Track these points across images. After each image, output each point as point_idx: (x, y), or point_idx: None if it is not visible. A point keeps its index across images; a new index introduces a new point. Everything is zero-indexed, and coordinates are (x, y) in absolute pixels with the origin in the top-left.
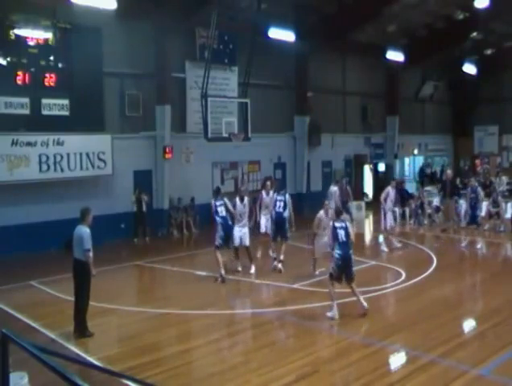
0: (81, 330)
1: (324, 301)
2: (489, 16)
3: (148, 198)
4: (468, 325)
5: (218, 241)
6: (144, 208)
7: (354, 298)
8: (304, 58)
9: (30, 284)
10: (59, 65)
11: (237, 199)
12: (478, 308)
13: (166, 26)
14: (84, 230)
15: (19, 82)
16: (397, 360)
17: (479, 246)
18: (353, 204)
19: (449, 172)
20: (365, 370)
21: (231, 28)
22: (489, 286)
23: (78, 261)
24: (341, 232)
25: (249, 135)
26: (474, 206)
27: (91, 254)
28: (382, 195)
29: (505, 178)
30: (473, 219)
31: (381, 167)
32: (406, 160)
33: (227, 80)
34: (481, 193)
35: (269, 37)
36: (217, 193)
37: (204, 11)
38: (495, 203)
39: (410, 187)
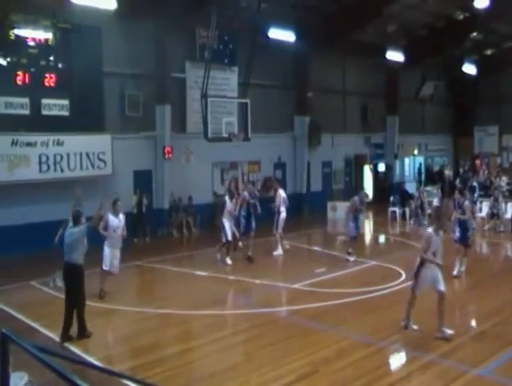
0: (81, 331)
1: (323, 301)
2: (489, 16)
3: (148, 201)
4: (468, 325)
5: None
6: (144, 210)
7: (355, 298)
8: (304, 58)
9: (30, 284)
10: (59, 65)
11: (227, 198)
12: (478, 308)
13: (166, 26)
14: (80, 228)
15: (19, 82)
16: (397, 360)
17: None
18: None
19: (447, 172)
20: (365, 370)
21: (231, 28)
22: (488, 286)
23: (70, 265)
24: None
25: (249, 135)
26: (464, 226)
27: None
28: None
29: (505, 178)
30: (463, 240)
31: (382, 167)
32: (406, 160)
33: (227, 80)
34: (469, 210)
35: (269, 37)
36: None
37: (204, 11)
38: (496, 202)
39: (410, 187)
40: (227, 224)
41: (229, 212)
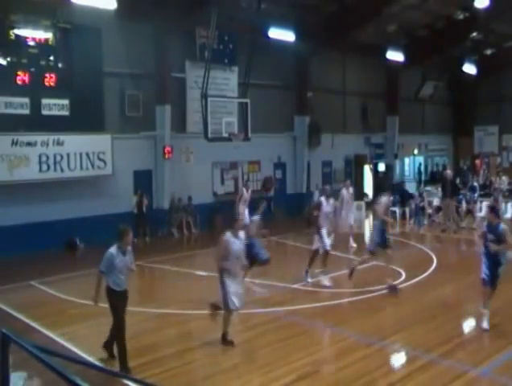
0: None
1: (323, 301)
2: (489, 16)
3: (148, 201)
4: (468, 325)
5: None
6: (144, 210)
7: (355, 298)
8: (304, 58)
9: (30, 284)
10: (60, 65)
11: (323, 199)
12: (478, 308)
13: (166, 26)
14: (109, 250)
15: (19, 82)
16: (397, 360)
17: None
18: None
19: (449, 172)
20: (366, 370)
21: (231, 28)
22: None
23: (107, 288)
24: None
25: (249, 135)
26: (495, 260)
27: (102, 276)
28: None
29: (505, 178)
30: (492, 280)
31: (382, 167)
32: (406, 160)
33: (227, 80)
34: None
35: (269, 37)
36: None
37: (204, 11)
38: (496, 203)
39: (410, 187)
40: (325, 231)
41: (327, 215)
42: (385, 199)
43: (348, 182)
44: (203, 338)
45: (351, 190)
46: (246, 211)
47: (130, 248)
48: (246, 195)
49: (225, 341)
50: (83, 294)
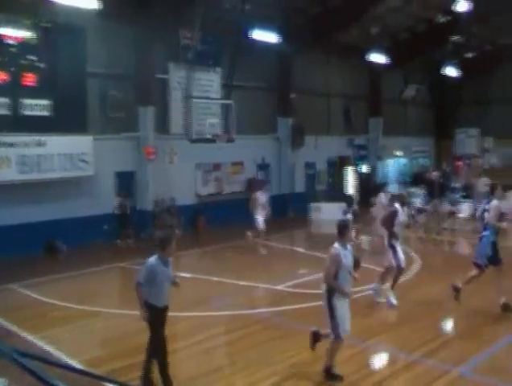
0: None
1: (308, 303)
2: (470, 20)
3: (130, 202)
4: (451, 325)
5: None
6: (128, 211)
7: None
8: (288, 59)
9: (10, 287)
10: (41, 65)
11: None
12: (460, 308)
13: (149, 26)
14: (149, 260)
15: None
16: (381, 360)
17: None
18: None
19: (435, 173)
20: (350, 370)
21: (215, 29)
22: (470, 287)
23: (146, 303)
24: None
25: (234, 136)
26: None
27: (142, 290)
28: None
29: (484, 179)
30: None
31: (365, 169)
32: (389, 162)
33: (211, 82)
34: None
35: (253, 38)
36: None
37: (188, 12)
38: (478, 204)
39: (394, 189)
40: (399, 247)
41: (401, 226)
42: (496, 203)
43: (386, 188)
44: (187, 340)
45: (389, 195)
46: (262, 218)
47: (171, 258)
48: (263, 198)
49: (331, 375)
50: (64, 297)
